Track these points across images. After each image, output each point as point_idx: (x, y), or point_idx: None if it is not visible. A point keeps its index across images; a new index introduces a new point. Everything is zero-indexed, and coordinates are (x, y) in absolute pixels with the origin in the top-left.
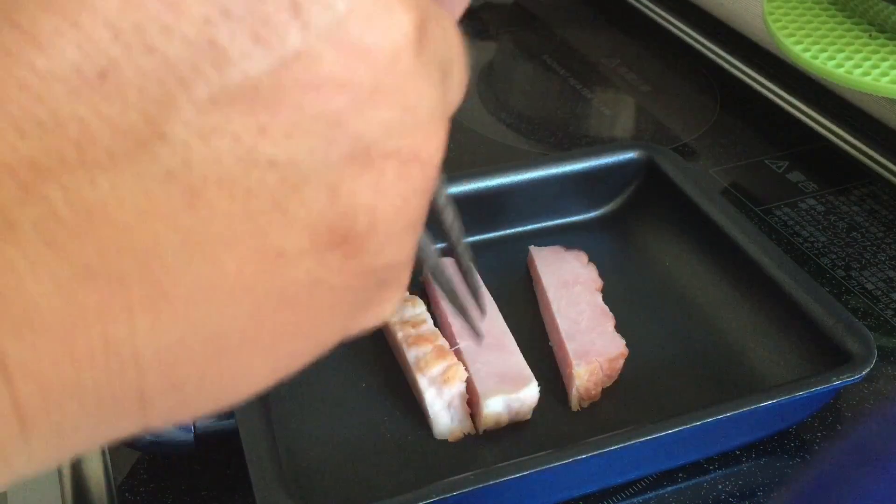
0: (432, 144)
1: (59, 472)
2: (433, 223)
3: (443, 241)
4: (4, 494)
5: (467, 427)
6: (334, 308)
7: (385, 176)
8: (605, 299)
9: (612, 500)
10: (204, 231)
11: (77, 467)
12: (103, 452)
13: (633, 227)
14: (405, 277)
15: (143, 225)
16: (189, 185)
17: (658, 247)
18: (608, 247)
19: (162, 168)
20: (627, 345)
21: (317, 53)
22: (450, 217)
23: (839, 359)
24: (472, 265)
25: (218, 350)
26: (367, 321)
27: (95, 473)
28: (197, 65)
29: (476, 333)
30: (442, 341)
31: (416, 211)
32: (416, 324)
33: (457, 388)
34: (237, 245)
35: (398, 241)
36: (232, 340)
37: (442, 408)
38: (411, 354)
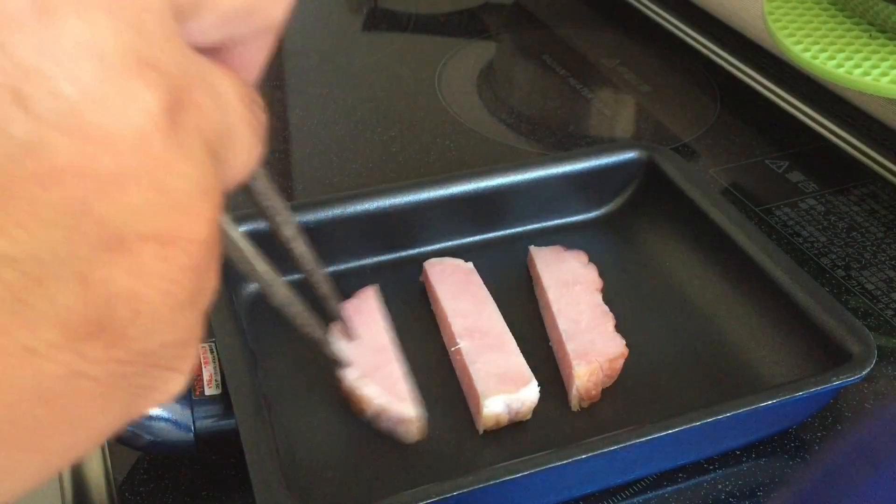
0: (196, 222)
1: (60, 472)
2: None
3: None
4: None
5: None
6: (105, 397)
7: (143, 260)
8: (605, 299)
9: (612, 501)
10: None
11: (77, 468)
12: (103, 452)
13: (633, 227)
14: (190, 354)
15: None
16: None
17: (658, 247)
18: (608, 247)
19: None
20: (627, 345)
21: (49, 143)
22: (300, 248)
23: (839, 359)
24: (330, 293)
25: None
26: (151, 402)
27: (95, 473)
28: None
29: (342, 363)
30: None
31: (188, 290)
32: None
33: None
34: None
35: (170, 322)
36: None
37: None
38: None
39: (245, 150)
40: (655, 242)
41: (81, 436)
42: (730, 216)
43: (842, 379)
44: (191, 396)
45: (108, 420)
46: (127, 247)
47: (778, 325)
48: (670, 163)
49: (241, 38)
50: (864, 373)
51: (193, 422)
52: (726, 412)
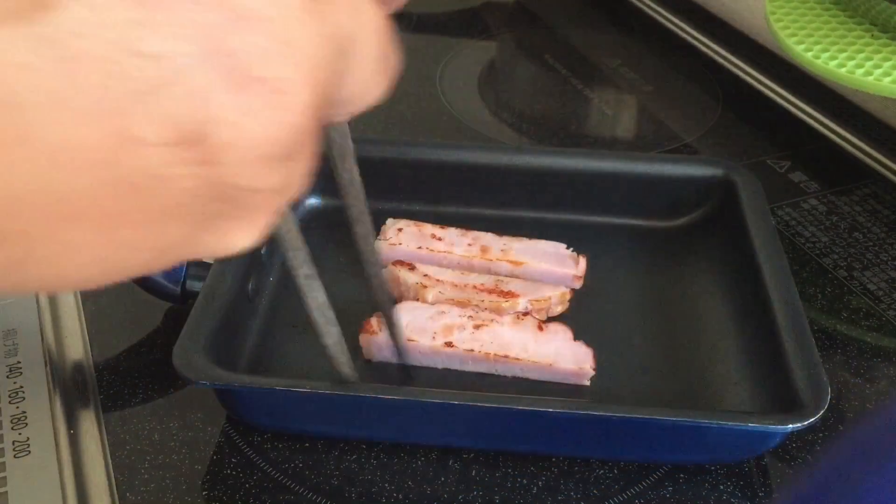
0: (304, 85)
1: (61, 471)
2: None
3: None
4: (6, 494)
5: None
6: (178, 210)
7: (254, 98)
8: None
9: (613, 501)
10: (73, 97)
11: (78, 467)
12: (104, 453)
13: (681, 246)
14: (265, 212)
15: (10, 74)
16: (70, 52)
17: (693, 268)
18: (644, 256)
19: (48, 29)
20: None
21: None
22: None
23: (790, 405)
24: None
25: (54, 215)
26: (213, 243)
27: (97, 473)
28: None
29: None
30: None
31: (282, 147)
32: None
33: None
34: (102, 119)
35: (261, 166)
36: (71, 209)
37: None
38: None
39: (366, 71)
40: (695, 262)
41: (148, 239)
42: (772, 262)
43: (763, 424)
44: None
45: (173, 237)
46: (244, 81)
47: (762, 365)
48: (748, 191)
49: None
50: (787, 427)
51: (184, 279)
52: (630, 414)
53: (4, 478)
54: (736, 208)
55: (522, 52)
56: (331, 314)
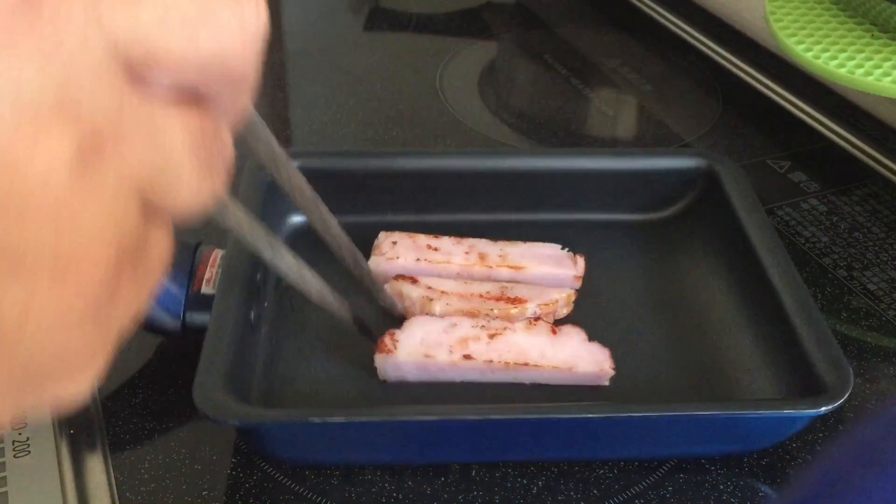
0: (91, 265)
1: (61, 471)
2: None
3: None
4: (5, 494)
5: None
6: None
7: (36, 285)
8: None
9: (613, 501)
10: None
11: (78, 467)
12: (104, 453)
13: (673, 237)
14: (87, 363)
15: None
16: None
17: (689, 257)
18: (641, 251)
19: None
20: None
21: None
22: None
23: (814, 389)
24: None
25: None
26: (44, 400)
27: (97, 473)
28: None
29: (370, 334)
30: None
31: (81, 313)
32: None
33: None
34: None
35: (57, 342)
36: None
37: None
38: None
39: (186, 190)
40: (690, 252)
41: None
42: (768, 245)
43: (798, 409)
44: (188, 291)
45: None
46: (23, 270)
47: (775, 349)
48: (732, 180)
49: (208, 89)
50: (820, 410)
51: (184, 312)
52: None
53: (4, 478)
54: (721, 195)
55: (522, 52)
56: (307, 273)
